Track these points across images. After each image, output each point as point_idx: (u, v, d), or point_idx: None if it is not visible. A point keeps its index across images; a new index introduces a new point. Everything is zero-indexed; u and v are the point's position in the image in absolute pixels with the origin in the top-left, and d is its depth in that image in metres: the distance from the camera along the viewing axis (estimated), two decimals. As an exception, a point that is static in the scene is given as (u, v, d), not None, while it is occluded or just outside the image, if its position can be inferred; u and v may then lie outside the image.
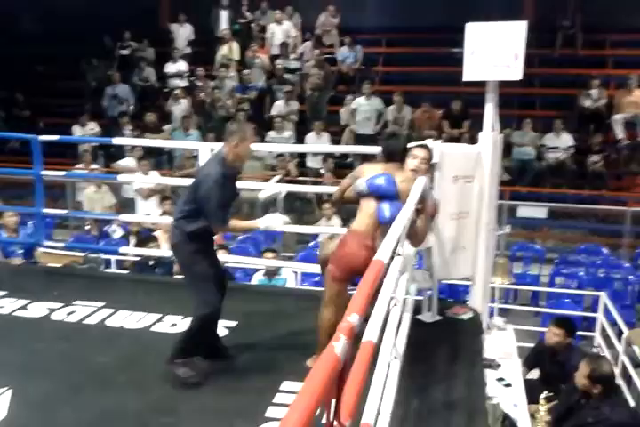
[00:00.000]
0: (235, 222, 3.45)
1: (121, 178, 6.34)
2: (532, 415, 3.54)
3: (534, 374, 4.62)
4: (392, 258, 2.53)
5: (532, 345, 4.98)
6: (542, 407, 3.26)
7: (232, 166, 3.43)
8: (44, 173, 5.18)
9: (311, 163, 9.30)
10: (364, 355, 1.74)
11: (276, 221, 3.51)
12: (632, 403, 4.20)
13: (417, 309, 4.07)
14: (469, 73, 4.14)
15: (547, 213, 7.61)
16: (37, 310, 4.44)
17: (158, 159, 9.44)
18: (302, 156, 9.54)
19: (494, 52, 4.06)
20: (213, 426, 3.12)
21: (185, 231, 3.42)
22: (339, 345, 1.45)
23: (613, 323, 5.38)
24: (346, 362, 1.47)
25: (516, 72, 4.05)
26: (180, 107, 10.53)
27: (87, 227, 8.00)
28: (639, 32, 10.63)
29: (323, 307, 3.35)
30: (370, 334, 1.84)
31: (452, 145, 4.75)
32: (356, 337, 1.63)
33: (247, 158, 3.59)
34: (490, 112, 4.27)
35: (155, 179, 7.82)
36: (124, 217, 6.26)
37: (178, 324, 4.22)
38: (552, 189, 8.88)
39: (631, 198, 8.18)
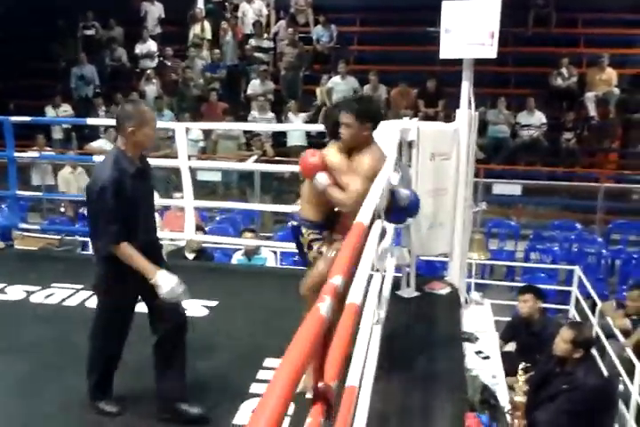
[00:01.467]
0: (132, 252, 2.73)
1: (96, 159, 6.24)
2: (510, 387, 3.63)
3: (511, 346, 4.73)
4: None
5: (507, 319, 5.09)
6: (521, 378, 3.35)
7: (132, 160, 2.78)
8: (17, 154, 5.10)
9: (291, 142, 9.28)
10: (349, 316, 1.76)
11: (176, 291, 2.84)
12: (605, 372, 4.32)
13: (396, 285, 4.12)
14: (445, 51, 4.15)
15: (521, 190, 7.71)
16: (15, 292, 4.42)
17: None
18: (280, 135, 9.52)
19: (469, 30, 4.08)
20: (198, 403, 3.14)
21: (100, 255, 2.86)
22: (324, 306, 1.46)
23: (587, 296, 5.52)
24: (330, 323, 1.50)
25: (491, 50, 4.08)
26: (152, 88, 10.40)
27: (62, 209, 7.91)
28: (611, 11, 10.73)
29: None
30: (353, 296, 1.87)
31: (429, 123, 4.78)
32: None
33: (149, 145, 2.95)
34: (466, 90, 4.30)
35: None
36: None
37: (158, 304, 4.22)
38: (526, 166, 8.98)
39: (603, 175, 8.32)
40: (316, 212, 3.09)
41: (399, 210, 3.16)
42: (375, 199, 2.59)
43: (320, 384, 1.47)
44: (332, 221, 3.12)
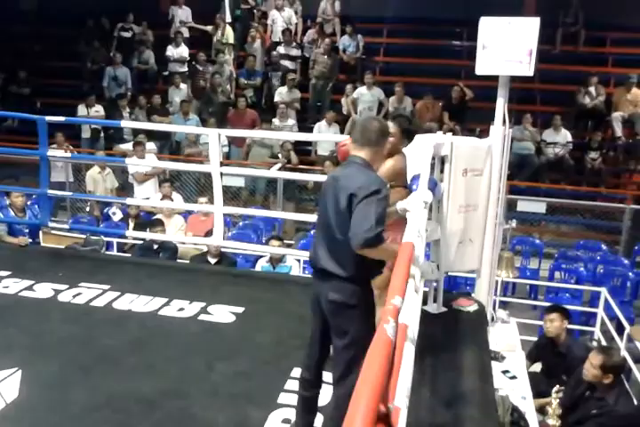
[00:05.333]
0: (388, 245, 2.61)
1: (127, 161, 6.31)
2: (538, 409, 3.58)
3: (536, 367, 4.68)
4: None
5: (530, 338, 5.04)
6: (555, 401, 3.31)
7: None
8: (50, 153, 5.14)
9: (321, 151, 9.29)
10: (401, 337, 1.76)
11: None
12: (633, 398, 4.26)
13: (422, 300, 4.09)
14: (482, 67, 4.13)
15: (545, 208, 7.66)
16: (43, 290, 4.44)
17: (162, 143, 9.39)
18: (305, 144, 9.55)
19: (507, 47, 4.06)
20: (225, 411, 3.14)
21: (363, 280, 2.67)
22: (389, 328, 1.47)
23: (611, 318, 5.47)
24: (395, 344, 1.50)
25: (528, 68, 4.07)
26: (179, 92, 10.47)
27: (88, 209, 7.96)
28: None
29: None
30: (405, 317, 1.86)
31: (463, 138, 4.76)
32: None
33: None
34: (501, 107, 4.28)
35: (148, 162, 7.81)
36: (130, 201, 6.24)
37: (185, 308, 4.24)
38: (550, 184, 8.93)
39: (628, 196, 8.26)
40: None
41: None
42: (420, 219, 2.61)
43: (382, 407, 1.45)
44: None
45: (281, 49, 10.93)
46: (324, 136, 8.91)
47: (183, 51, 11.04)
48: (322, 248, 2.71)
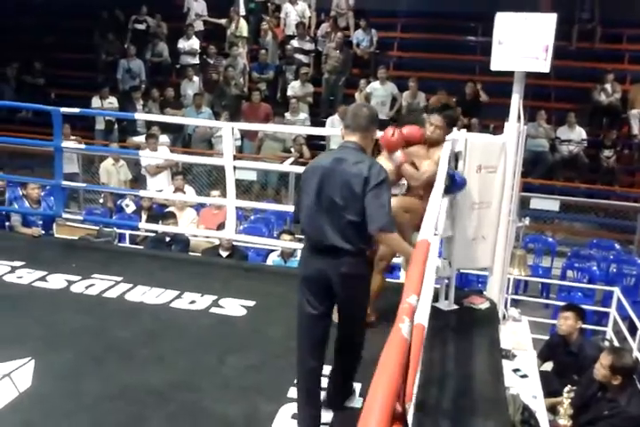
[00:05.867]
0: (399, 238, 2.84)
1: (141, 153, 6.33)
2: (549, 408, 3.56)
3: (547, 366, 4.66)
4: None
5: (541, 337, 5.02)
6: (566, 401, 3.29)
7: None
8: (64, 144, 5.16)
9: (334, 145, 9.27)
10: (418, 338, 1.76)
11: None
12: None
13: (434, 297, 4.08)
14: (497, 63, 4.10)
15: (559, 206, 7.61)
16: (56, 281, 4.47)
17: (175, 136, 9.41)
18: (318, 138, 9.53)
19: (523, 43, 4.03)
20: (236, 404, 3.15)
21: (364, 253, 2.83)
22: (404, 327, 1.46)
23: (623, 318, 5.43)
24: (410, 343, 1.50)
25: (544, 64, 4.03)
26: (192, 85, 10.48)
27: (101, 200, 8.00)
28: (657, 28, 10.58)
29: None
30: (421, 318, 1.86)
31: (478, 135, 4.74)
32: None
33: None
34: (516, 103, 4.25)
35: (161, 155, 7.83)
36: (143, 193, 6.25)
37: (197, 301, 4.25)
38: (564, 182, 8.88)
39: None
40: None
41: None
42: (435, 216, 2.61)
43: (398, 407, 1.45)
44: None
45: (295, 43, 10.90)
46: (337, 131, 8.90)
47: (194, 43, 11.05)
48: (327, 227, 2.79)
